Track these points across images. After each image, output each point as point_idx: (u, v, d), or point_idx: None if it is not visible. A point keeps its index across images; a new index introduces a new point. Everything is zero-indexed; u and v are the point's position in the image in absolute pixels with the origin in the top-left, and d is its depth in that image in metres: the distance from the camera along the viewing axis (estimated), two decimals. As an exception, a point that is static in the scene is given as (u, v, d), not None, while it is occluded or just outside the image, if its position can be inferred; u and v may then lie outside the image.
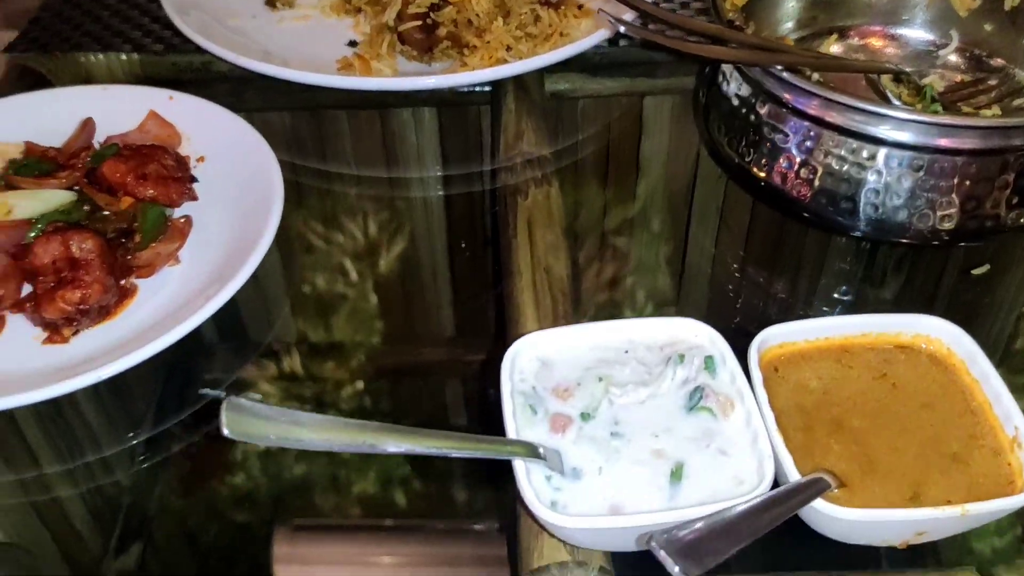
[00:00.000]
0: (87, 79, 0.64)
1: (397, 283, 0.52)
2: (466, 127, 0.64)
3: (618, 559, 0.38)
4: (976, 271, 0.49)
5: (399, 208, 0.56)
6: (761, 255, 0.53)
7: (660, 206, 0.56)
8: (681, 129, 0.62)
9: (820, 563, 0.38)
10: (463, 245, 0.54)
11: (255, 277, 0.45)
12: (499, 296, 0.49)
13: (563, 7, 0.62)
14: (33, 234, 0.45)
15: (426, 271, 0.53)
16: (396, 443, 0.33)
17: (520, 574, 0.38)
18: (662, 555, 0.29)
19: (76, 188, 0.47)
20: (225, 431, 0.30)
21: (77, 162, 0.48)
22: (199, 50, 0.63)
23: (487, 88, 0.61)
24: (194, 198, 0.49)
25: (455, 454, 0.34)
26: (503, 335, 0.45)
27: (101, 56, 0.66)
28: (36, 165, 0.48)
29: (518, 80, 0.61)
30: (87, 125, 0.51)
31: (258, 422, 0.31)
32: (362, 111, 0.62)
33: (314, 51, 0.61)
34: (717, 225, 0.54)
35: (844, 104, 0.44)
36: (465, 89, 0.62)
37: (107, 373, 0.41)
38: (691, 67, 0.62)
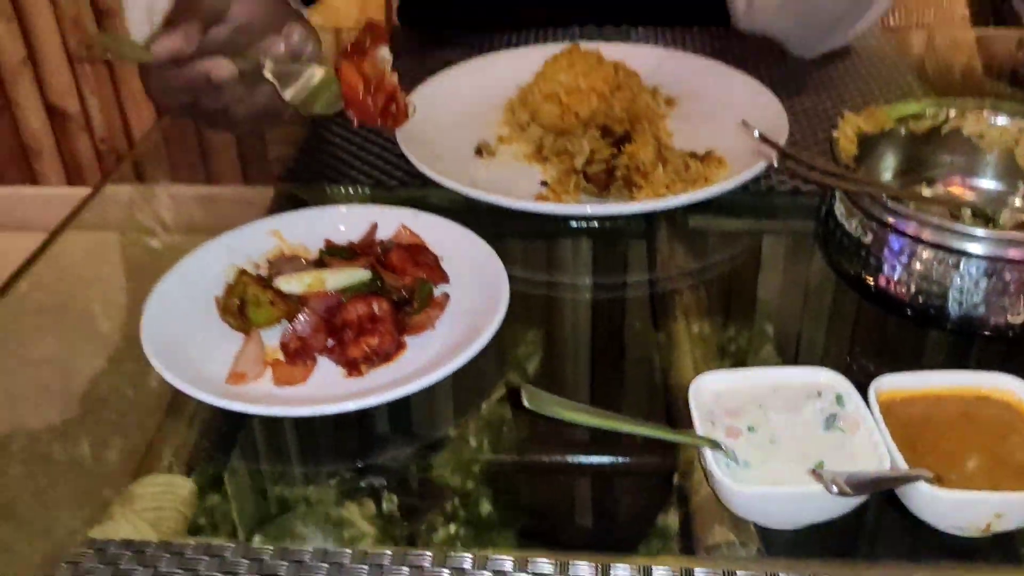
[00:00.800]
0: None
1: (586, 354, 0.69)
2: (624, 251, 0.82)
3: (769, 546, 0.52)
4: (1042, 359, 0.63)
5: (586, 301, 0.74)
6: (871, 341, 0.68)
7: (789, 310, 0.73)
8: (801, 254, 0.79)
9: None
10: (636, 326, 0.70)
11: (491, 343, 0.62)
12: (663, 366, 0.65)
13: (707, 160, 0.81)
14: (344, 299, 0.63)
15: (607, 347, 0.70)
16: (630, 427, 0.49)
17: (695, 550, 0.52)
18: (823, 477, 0.43)
19: (370, 268, 0.66)
20: (526, 403, 0.47)
21: (370, 251, 0.67)
22: (421, 186, 0.83)
23: (642, 226, 0.80)
24: (447, 280, 0.68)
25: (669, 439, 0.50)
26: (668, 388, 0.62)
27: (342, 188, 0.87)
28: (341, 252, 0.68)
29: (669, 216, 0.79)
30: (374, 227, 0.71)
31: (544, 402, 0.48)
32: (538, 239, 0.81)
33: (514, 187, 0.81)
34: (828, 319, 0.71)
35: (934, 224, 0.61)
36: (625, 223, 0.80)
37: (394, 397, 0.58)
38: (804, 211, 0.79)
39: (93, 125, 2.56)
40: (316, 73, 0.72)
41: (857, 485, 0.44)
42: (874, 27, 1.12)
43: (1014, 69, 1.21)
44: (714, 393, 0.55)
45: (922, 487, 0.47)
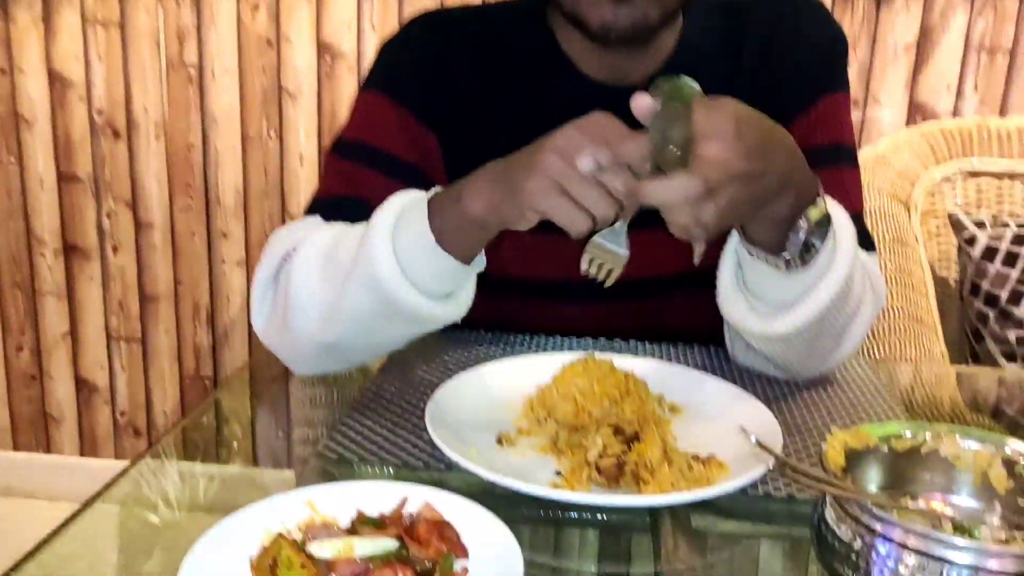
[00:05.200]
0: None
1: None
2: (629, 545, 0.87)
3: None
4: (1030, 669, 0.66)
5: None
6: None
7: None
8: (799, 556, 0.84)
9: None
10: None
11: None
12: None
13: (709, 463, 0.89)
14: (371, 567, 0.68)
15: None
16: None
17: None
18: None
19: (398, 539, 0.71)
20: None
21: (399, 523, 0.73)
22: (444, 470, 0.90)
23: (647, 522, 0.85)
24: (467, 556, 0.72)
25: None
26: None
27: (371, 467, 0.93)
28: (371, 522, 0.73)
29: (673, 515, 0.85)
30: (404, 500, 0.77)
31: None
32: (550, 526, 0.86)
33: (531, 475, 0.88)
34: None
35: (918, 532, 0.67)
36: (631, 518, 0.86)
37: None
38: (800, 517, 0.85)
39: (117, 399, 2.67)
40: None
41: None
42: (859, 357, 1.24)
43: (996, 405, 1.32)
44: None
45: None
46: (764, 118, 0.88)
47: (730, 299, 1.04)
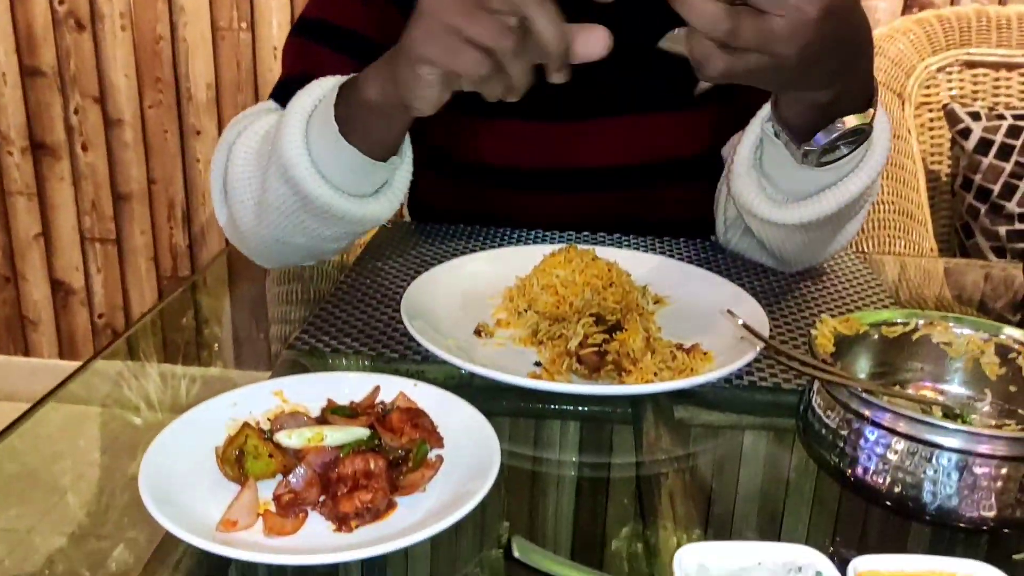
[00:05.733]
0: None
1: (571, 526, 0.70)
2: (610, 435, 0.84)
3: None
4: (1016, 556, 0.65)
5: (572, 477, 0.76)
6: (852, 526, 0.70)
7: (772, 495, 0.75)
8: (784, 445, 0.82)
9: None
10: (625, 502, 0.72)
11: (479, 510, 0.64)
12: (647, 542, 0.66)
13: (693, 352, 0.86)
14: (343, 454, 0.65)
15: (592, 519, 0.71)
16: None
17: None
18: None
19: (370, 427, 0.68)
20: (516, 554, 0.48)
21: (371, 411, 0.70)
22: (421, 361, 0.87)
23: (629, 413, 0.83)
24: (442, 445, 0.70)
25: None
26: (652, 560, 0.63)
27: (344, 359, 0.90)
28: (343, 410, 0.70)
29: (656, 406, 0.83)
30: (377, 389, 0.74)
31: (533, 554, 0.49)
32: (530, 418, 0.84)
33: (509, 366, 0.85)
34: (810, 505, 0.72)
35: (908, 416, 0.64)
36: (612, 409, 0.84)
37: (382, 551, 0.59)
38: (785, 406, 0.83)
39: (94, 301, 2.63)
40: None
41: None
42: (848, 250, 1.21)
43: (983, 299, 1.29)
44: (699, 564, 0.56)
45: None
46: (856, 11, 0.76)
47: (743, 177, 0.98)
